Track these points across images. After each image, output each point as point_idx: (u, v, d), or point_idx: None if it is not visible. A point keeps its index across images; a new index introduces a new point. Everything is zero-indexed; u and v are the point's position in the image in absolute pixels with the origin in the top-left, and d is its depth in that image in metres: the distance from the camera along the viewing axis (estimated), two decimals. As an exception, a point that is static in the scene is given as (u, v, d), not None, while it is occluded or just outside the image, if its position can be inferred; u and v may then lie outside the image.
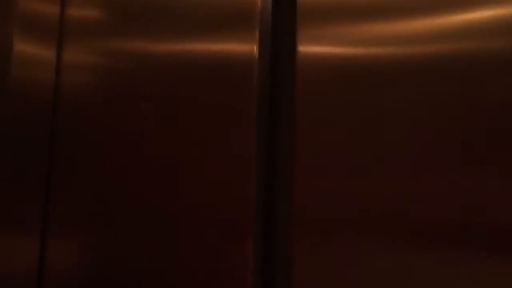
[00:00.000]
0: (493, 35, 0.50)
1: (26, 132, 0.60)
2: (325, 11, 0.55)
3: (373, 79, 0.53)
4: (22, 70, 0.61)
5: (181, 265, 0.55)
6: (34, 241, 0.60)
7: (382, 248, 0.51)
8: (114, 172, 0.59)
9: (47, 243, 0.60)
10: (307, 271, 0.52)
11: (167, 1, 0.60)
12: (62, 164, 0.61)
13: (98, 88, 0.61)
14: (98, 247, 0.58)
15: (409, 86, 0.52)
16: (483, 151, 0.49)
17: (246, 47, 0.56)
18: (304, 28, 0.55)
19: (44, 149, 0.61)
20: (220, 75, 0.57)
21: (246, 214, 0.54)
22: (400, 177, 0.51)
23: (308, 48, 0.55)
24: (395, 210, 0.51)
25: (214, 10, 0.58)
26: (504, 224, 0.48)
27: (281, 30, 0.58)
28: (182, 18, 0.59)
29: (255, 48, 0.56)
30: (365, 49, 0.53)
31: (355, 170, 0.52)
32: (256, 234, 0.54)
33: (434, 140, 0.51)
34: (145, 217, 0.57)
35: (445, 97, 0.51)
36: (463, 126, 0.50)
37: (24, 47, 0.61)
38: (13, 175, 0.59)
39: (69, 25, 0.64)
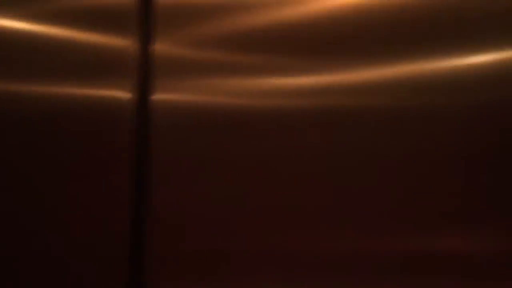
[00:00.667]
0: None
1: None
2: (180, 65, 0.59)
3: (220, 127, 0.58)
4: None
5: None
6: None
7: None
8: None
9: None
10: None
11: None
12: None
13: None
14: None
15: (253, 134, 0.58)
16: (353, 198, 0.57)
17: (121, 93, 0.60)
18: (159, 79, 0.59)
19: None
20: (92, 117, 0.60)
21: (121, 251, 0.59)
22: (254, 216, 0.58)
23: (160, 96, 0.59)
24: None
25: (84, 55, 0.60)
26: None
27: (146, 79, 0.61)
28: (47, 61, 0.61)
29: (129, 95, 0.60)
30: (215, 99, 0.59)
31: (207, 212, 0.58)
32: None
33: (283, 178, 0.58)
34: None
35: (293, 147, 0.58)
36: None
37: None
38: None
39: None
